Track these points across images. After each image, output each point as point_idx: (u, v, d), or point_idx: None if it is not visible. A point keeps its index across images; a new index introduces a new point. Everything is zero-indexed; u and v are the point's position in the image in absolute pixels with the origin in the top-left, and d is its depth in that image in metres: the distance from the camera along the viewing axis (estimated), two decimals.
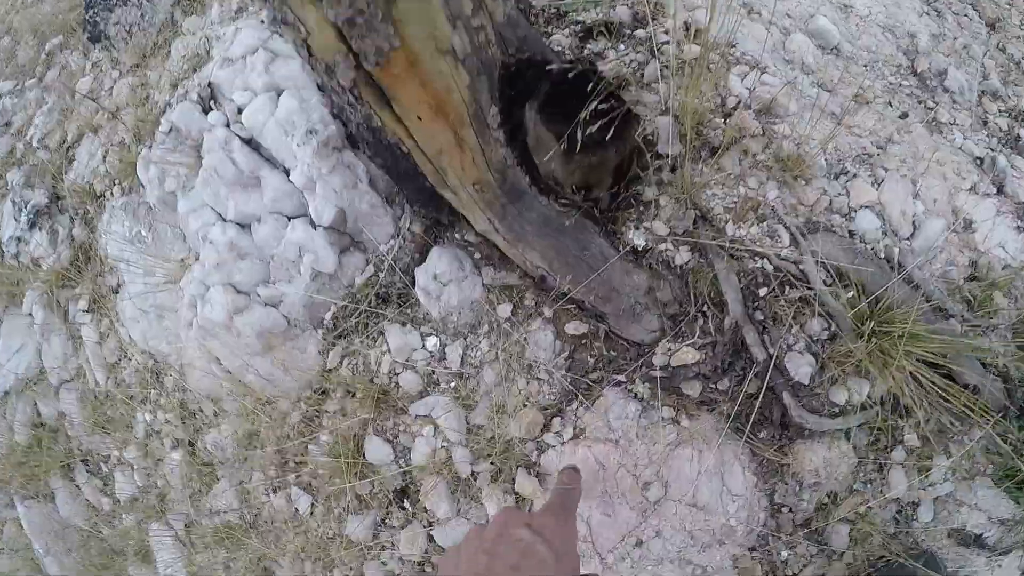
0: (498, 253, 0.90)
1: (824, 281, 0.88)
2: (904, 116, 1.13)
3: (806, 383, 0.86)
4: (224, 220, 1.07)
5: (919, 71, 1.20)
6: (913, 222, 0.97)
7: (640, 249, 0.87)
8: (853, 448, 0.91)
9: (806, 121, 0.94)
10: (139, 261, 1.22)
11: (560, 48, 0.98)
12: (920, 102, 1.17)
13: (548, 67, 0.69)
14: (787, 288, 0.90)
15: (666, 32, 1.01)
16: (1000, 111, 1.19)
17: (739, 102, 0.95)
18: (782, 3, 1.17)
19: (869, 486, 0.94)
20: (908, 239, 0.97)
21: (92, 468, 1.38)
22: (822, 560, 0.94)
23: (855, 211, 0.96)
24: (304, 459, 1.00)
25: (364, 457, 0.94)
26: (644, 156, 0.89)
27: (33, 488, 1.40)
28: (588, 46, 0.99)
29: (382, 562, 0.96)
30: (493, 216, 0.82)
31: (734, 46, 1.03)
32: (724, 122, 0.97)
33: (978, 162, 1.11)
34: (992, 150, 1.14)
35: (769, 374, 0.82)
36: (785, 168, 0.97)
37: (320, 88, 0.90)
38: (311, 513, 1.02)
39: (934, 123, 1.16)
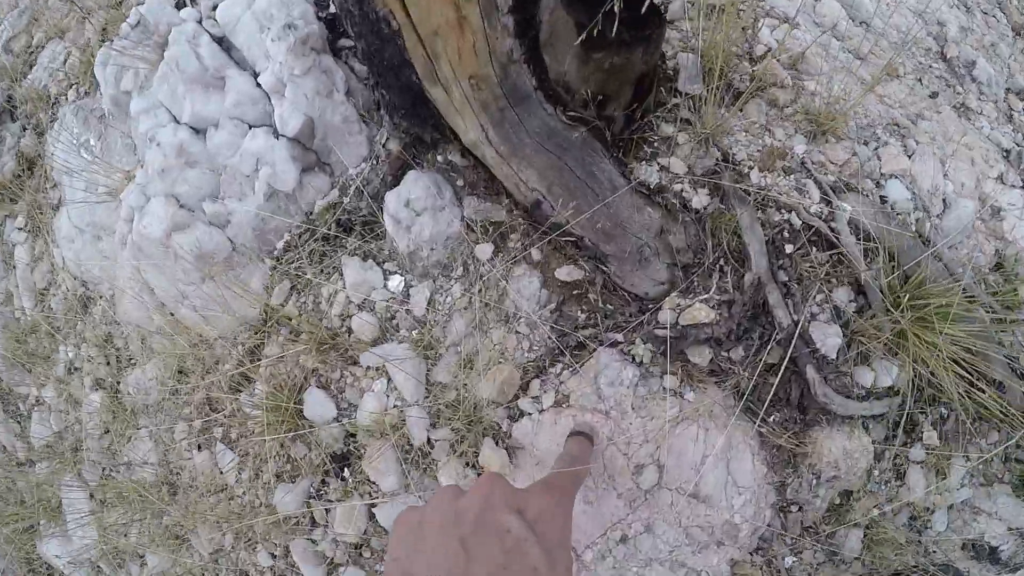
0: (485, 179, 0.68)
1: (853, 243, 0.69)
2: (934, 96, 1.01)
3: (833, 357, 0.65)
4: (178, 123, 0.82)
5: (948, 57, 1.12)
6: (944, 200, 0.85)
7: (652, 187, 0.66)
8: (872, 443, 0.71)
9: (836, 82, 0.83)
10: (83, 172, 0.96)
11: None
12: (949, 86, 1.09)
13: None
14: (815, 248, 0.69)
15: None
16: None
17: (768, 51, 0.80)
18: None
19: (884, 487, 0.74)
20: (938, 216, 0.84)
21: (10, 408, 1.10)
22: (829, 570, 0.73)
23: (885, 179, 0.82)
24: (234, 411, 0.75)
25: (303, 413, 0.70)
26: (664, 87, 0.68)
27: None
28: None
29: (311, 540, 0.72)
30: (487, 122, 0.59)
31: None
32: (752, 68, 0.79)
33: (1005, 154, 0.99)
34: (1019, 144, 1.02)
35: (794, 343, 0.62)
36: (815, 123, 0.80)
37: None
38: (237, 477, 0.77)
39: (963, 108, 1.05)
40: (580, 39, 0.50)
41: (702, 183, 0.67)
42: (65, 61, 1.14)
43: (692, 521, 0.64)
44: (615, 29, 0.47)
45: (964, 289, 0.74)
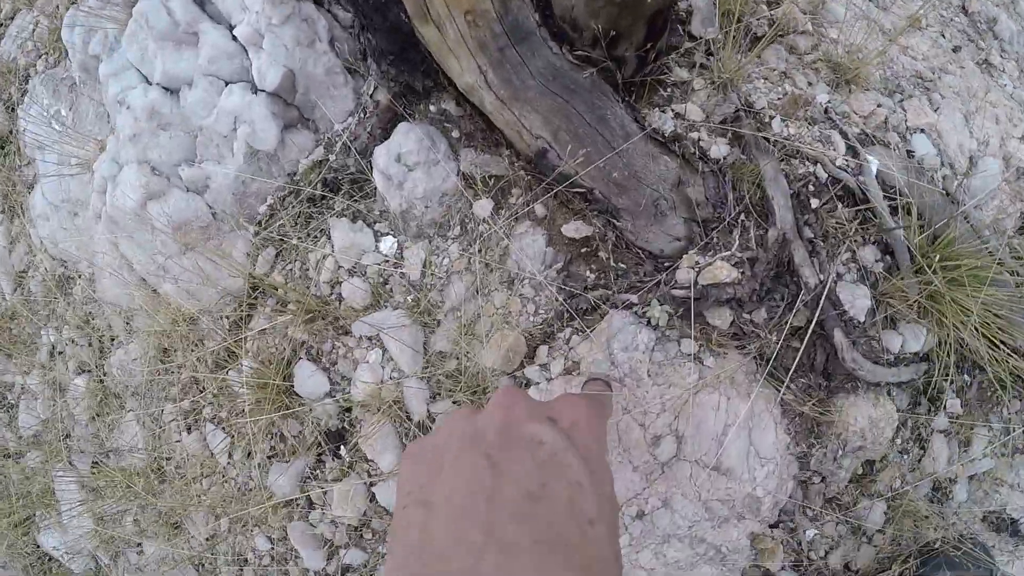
0: (483, 129, 0.61)
1: (882, 197, 0.63)
2: (957, 50, 0.94)
3: (861, 320, 0.60)
4: (149, 83, 0.75)
5: (970, 11, 1.04)
6: (971, 157, 0.79)
7: (667, 135, 0.59)
8: (896, 410, 0.67)
9: (858, 30, 0.77)
10: (54, 145, 0.89)
11: None
12: (971, 40, 1.03)
13: None
14: (841, 204, 0.63)
15: None
16: None
17: None
18: None
19: (906, 457, 0.70)
20: (964, 175, 0.78)
21: None
22: (852, 543, 0.69)
23: (911, 132, 0.76)
24: (221, 389, 0.70)
25: (293, 389, 0.65)
26: (676, 29, 0.61)
27: None
28: None
29: (310, 523, 0.67)
30: (486, 63, 0.52)
31: None
32: (769, 12, 0.72)
33: None
34: None
35: (821, 305, 0.56)
36: (837, 72, 0.73)
37: None
38: (229, 459, 0.72)
39: (986, 64, 0.98)
40: None
41: (721, 131, 0.61)
42: (34, 31, 1.06)
43: (712, 495, 0.59)
44: None
45: (992, 253, 0.69)
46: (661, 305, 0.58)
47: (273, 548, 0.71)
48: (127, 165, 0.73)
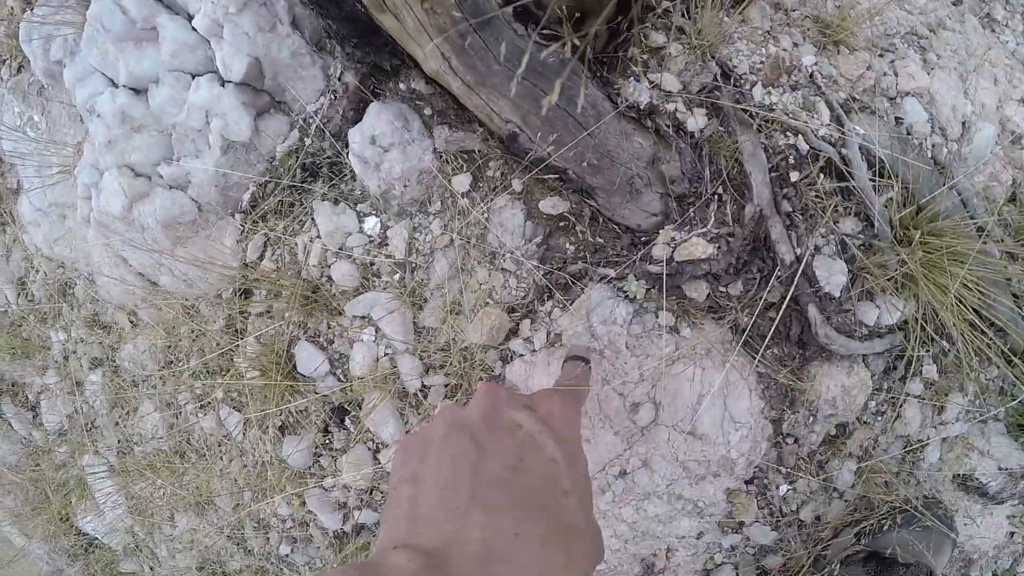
0: (454, 107, 0.61)
1: (864, 169, 0.63)
2: (958, 2, 0.87)
3: (836, 295, 0.62)
4: (116, 86, 0.74)
5: None
6: (964, 123, 0.76)
7: (642, 108, 0.59)
8: (871, 376, 0.69)
9: None
10: (33, 153, 0.89)
11: None
12: None
13: None
14: (823, 175, 0.64)
15: None
16: None
17: None
18: None
19: (879, 418, 0.73)
20: (956, 142, 0.75)
21: (20, 400, 1.11)
22: (823, 499, 0.73)
23: (902, 97, 0.74)
24: (230, 374, 0.74)
25: (296, 369, 0.68)
26: None
27: None
28: None
29: (324, 489, 0.73)
30: (448, 50, 0.52)
31: None
32: None
33: None
34: None
35: (796, 281, 0.58)
36: (825, 31, 0.70)
37: None
38: (243, 436, 0.77)
39: (988, 19, 0.91)
40: None
41: (699, 102, 0.60)
42: None
43: (689, 456, 0.64)
44: None
45: (979, 225, 0.69)
46: (638, 280, 0.60)
47: (293, 514, 0.78)
48: (107, 171, 0.74)
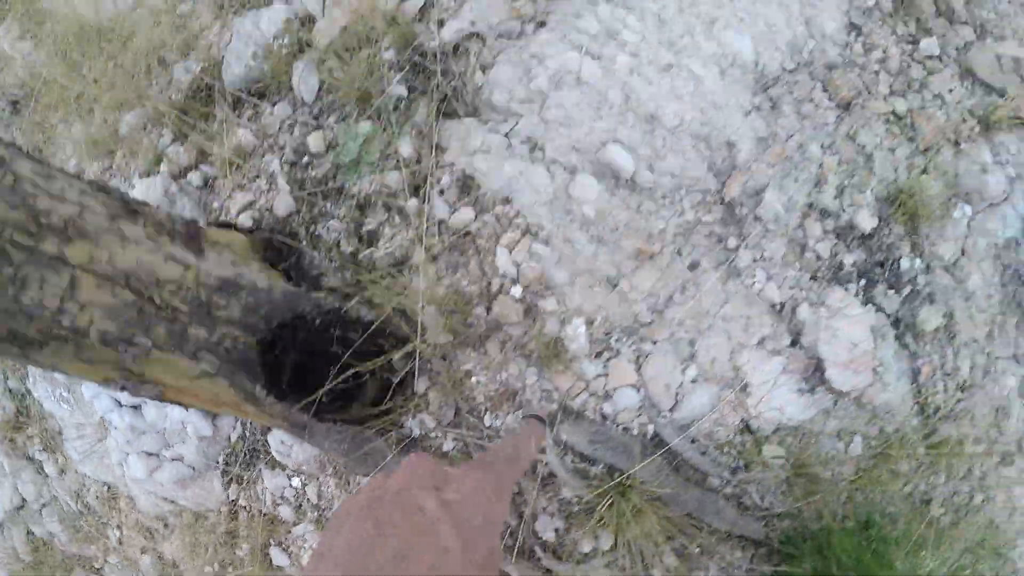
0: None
1: (570, 465, 0.83)
2: (694, 267, 0.87)
3: (552, 540, 0.85)
4: (121, 406, 1.17)
5: (727, 199, 0.89)
6: (676, 395, 0.85)
7: (417, 438, 0.89)
8: None
9: (576, 290, 0.83)
10: (69, 419, 1.31)
11: (326, 274, 0.85)
12: (720, 241, 0.89)
13: (301, 316, 0.77)
14: (538, 466, 0.84)
15: (441, 192, 0.87)
16: (825, 232, 0.90)
17: (501, 285, 0.84)
18: (573, 131, 0.87)
19: None
20: (669, 411, 0.85)
21: (88, 571, 1.56)
22: None
23: (614, 391, 0.85)
24: (233, 564, 1.20)
25: (271, 563, 1.15)
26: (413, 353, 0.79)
27: None
28: (366, 221, 0.91)
29: None
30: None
31: (509, 201, 0.86)
32: (487, 312, 0.84)
33: (777, 308, 0.87)
34: (800, 289, 0.87)
35: (522, 536, 0.83)
36: (545, 352, 0.83)
37: None
38: None
39: (732, 268, 0.87)
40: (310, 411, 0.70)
41: (449, 430, 0.87)
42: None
43: None
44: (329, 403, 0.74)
45: (696, 467, 0.81)
46: None
47: None
48: (131, 455, 1.19)
